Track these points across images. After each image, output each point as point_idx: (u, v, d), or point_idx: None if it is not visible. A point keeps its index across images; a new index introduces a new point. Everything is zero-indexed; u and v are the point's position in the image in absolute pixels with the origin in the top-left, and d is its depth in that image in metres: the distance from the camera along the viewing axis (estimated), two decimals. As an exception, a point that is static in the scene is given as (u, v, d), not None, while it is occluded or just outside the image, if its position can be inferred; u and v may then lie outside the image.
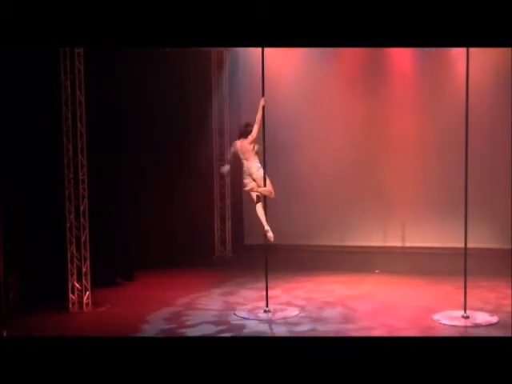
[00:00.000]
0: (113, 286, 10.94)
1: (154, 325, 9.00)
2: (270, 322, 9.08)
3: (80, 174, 9.71)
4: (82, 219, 9.74)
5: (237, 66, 12.96)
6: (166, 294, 10.43)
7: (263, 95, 9.23)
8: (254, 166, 9.27)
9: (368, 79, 12.69)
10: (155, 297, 10.32)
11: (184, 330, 8.73)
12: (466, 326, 8.64)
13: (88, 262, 9.81)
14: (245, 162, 9.33)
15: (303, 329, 8.70)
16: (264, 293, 9.51)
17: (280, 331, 8.70)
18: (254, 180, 9.28)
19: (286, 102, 12.60)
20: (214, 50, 12.70)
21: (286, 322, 9.05)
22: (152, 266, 11.76)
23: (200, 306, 9.84)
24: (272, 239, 9.22)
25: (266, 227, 9.24)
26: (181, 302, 10.01)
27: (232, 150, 9.63)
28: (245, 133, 9.35)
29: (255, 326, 8.87)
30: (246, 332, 8.64)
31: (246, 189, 9.33)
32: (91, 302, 9.84)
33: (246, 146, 9.28)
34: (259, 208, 9.30)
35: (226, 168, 9.85)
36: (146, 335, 8.58)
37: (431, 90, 12.49)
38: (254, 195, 9.33)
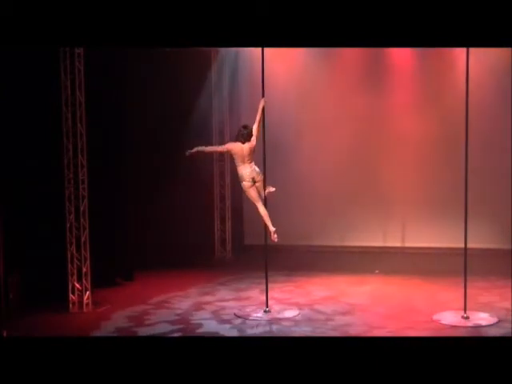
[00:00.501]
0: (113, 286, 10.94)
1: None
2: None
3: (80, 174, 9.71)
4: (81, 219, 9.74)
5: (237, 66, 12.95)
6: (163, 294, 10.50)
7: (263, 96, 9.22)
8: (255, 169, 9.19)
9: (368, 79, 12.68)
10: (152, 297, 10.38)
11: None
12: (466, 327, 8.64)
13: (88, 262, 9.80)
14: (242, 165, 9.13)
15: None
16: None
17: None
18: (256, 183, 9.18)
19: (285, 102, 12.59)
20: (214, 50, 12.70)
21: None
22: (152, 266, 11.76)
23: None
24: (276, 240, 9.19)
25: (273, 228, 9.18)
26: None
27: (222, 149, 9.54)
28: (245, 135, 9.14)
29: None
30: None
31: (267, 191, 9.23)
32: (91, 302, 9.83)
33: (251, 148, 9.16)
34: (263, 209, 9.22)
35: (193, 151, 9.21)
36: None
37: (431, 90, 12.48)
38: (255, 198, 9.21)
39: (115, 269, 11.09)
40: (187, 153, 9.13)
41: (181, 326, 8.91)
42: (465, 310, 8.85)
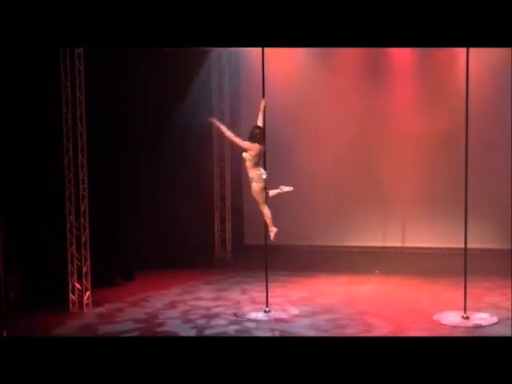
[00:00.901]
0: (113, 285, 10.95)
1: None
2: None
3: (80, 174, 9.72)
4: (82, 219, 9.74)
5: (237, 66, 12.95)
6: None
7: (263, 96, 9.20)
8: (263, 171, 9.16)
9: (368, 78, 12.67)
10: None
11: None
12: (466, 327, 8.64)
13: (88, 262, 9.81)
14: (255, 167, 8.99)
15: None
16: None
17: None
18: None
19: (285, 102, 12.59)
20: (214, 50, 12.70)
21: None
22: (152, 267, 11.76)
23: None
24: (275, 240, 9.17)
25: (275, 228, 9.10)
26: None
27: (240, 142, 8.99)
28: (258, 136, 8.96)
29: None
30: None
31: (284, 190, 9.25)
32: (91, 302, 9.84)
33: (262, 151, 9.16)
34: (267, 210, 9.12)
35: (213, 121, 9.23)
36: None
37: (431, 90, 12.48)
38: (264, 200, 9.12)
39: (115, 269, 11.10)
40: (208, 117, 9.26)
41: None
42: (465, 311, 8.85)
